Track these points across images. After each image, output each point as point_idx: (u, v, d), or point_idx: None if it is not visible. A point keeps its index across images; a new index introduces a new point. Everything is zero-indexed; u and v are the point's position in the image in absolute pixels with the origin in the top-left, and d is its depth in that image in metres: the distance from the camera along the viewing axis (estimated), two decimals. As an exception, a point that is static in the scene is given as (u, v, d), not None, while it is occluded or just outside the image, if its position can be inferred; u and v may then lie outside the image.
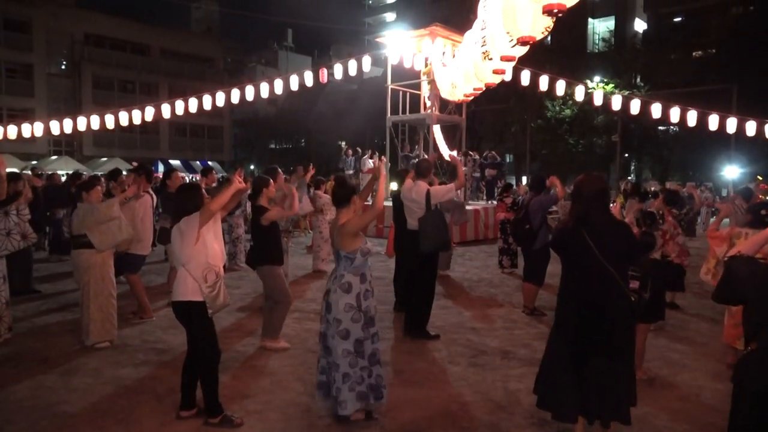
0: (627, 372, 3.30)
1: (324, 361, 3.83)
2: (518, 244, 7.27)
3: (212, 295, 3.59)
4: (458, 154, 16.12)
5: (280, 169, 6.35)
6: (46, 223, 10.29)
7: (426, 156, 14.22)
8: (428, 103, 14.86)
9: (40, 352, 5.23)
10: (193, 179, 27.66)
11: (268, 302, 5.43)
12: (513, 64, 7.21)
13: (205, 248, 3.62)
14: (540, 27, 5.06)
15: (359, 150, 18.35)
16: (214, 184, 8.83)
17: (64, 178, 12.99)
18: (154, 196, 6.63)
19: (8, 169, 5.84)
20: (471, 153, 16.84)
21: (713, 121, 10.74)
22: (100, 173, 18.80)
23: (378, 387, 3.79)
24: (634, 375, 3.39)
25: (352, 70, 11.70)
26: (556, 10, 4.53)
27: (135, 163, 11.10)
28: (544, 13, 4.64)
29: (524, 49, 6.25)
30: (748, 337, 2.54)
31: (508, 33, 5.37)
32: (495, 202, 15.91)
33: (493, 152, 18.80)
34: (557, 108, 30.84)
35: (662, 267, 5.07)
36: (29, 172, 12.57)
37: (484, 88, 9.61)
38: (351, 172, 17.53)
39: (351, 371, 3.67)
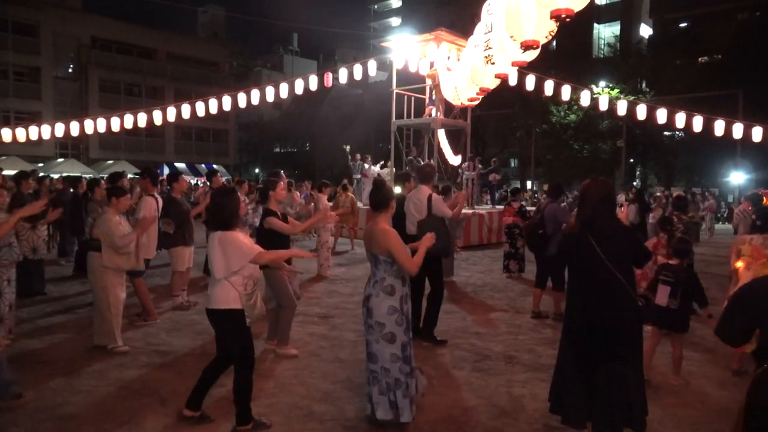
0: (636, 378, 3.28)
1: (368, 370, 3.75)
2: (531, 249, 7.24)
3: (250, 304, 3.59)
4: (464, 158, 16.19)
5: (282, 173, 6.34)
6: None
7: (430, 161, 14.20)
8: (433, 111, 14.85)
9: (44, 353, 5.24)
10: (198, 182, 27.77)
11: (272, 304, 5.43)
12: (517, 68, 7.20)
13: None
14: (544, 31, 5.06)
15: (358, 156, 18.38)
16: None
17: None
18: (159, 200, 6.63)
19: (11, 171, 5.90)
20: (477, 158, 16.87)
21: (719, 127, 10.71)
22: (103, 177, 18.89)
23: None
24: (643, 382, 3.37)
25: (358, 75, 11.75)
26: (564, 15, 4.53)
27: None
28: (552, 17, 4.64)
29: (535, 54, 6.23)
30: (760, 359, 2.46)
31: (511, 37, 5.36)
32: (498, 207, 15.99)
33: (494, 159, 18.97)
34: (562, 113, 30.82)
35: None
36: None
37: (481, 93, 9.58)
38: (358, 176, 17.56)
39: (401, 377, 3.62)
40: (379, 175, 16.91)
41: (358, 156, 18.07)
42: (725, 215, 25.64)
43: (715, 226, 20.43)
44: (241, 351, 3.64)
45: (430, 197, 5.70)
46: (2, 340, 4.90)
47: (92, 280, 5.36)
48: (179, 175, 8.00)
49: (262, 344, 5.57)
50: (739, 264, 5.06)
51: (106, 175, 18.98)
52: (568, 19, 4.61)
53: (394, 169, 16.62)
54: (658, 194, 18.77)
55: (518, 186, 32.22)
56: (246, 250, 3.53)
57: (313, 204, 11.71)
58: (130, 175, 17.90)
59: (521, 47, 5.36)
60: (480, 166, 16.73)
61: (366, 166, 16.92)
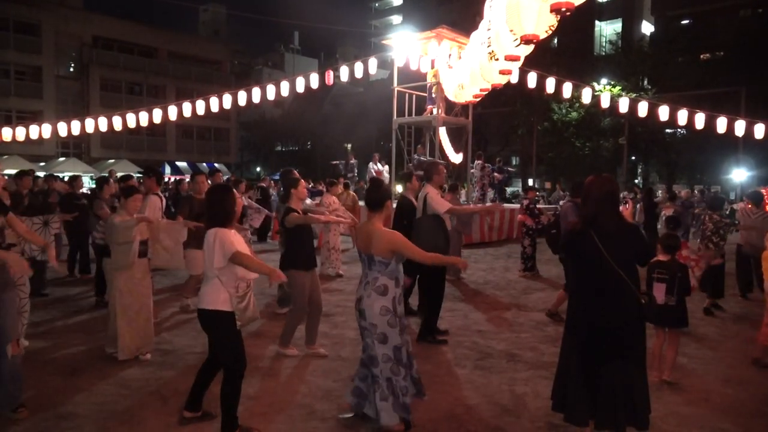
0: (640, 376, 3.27)
1: (365, 370, 3.71)
2: (551, 249, 7.25)
3: (241, 307, 3.48)
4: (465, 156, 16.18)
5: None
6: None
7: (431, 159, 14.19)
8: (434, 111, 14.82)
9: (46, 353, 5.24)
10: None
11: (278, 305, 5.39)
12: (519, 64, 7.15)
13: None
14: (544, 25, 5.02)
15: (352, 156, 18.32)
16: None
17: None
18: (163, 198, 6.60)
19: (13, 170, 5.84)
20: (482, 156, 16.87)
21: (721, 124, 10.67)
22: (104, 175, 18.92)
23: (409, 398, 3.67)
24: (646, 379, 3.35)
25: (359, 73, 11.71)
26: (564, 9, 4.49)
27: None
28: (551, 11, 4.60)
29: (529, 49, 6.19)
30: None
31: (511, 31, 5.32)
32: (503, 204, 16.01)
33: (499, 159, 19.05)
34: (564, 111, 30.76)
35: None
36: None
37: (490, 89, 9.57)
38: (351, 175, 17.53)
39: (394, 378, 3.57)
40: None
41: (353, 156, 18.07)
42: (727, 212, 25.58)
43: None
44: (230, 356, 3.50)
45: (426, 197, 5.68)
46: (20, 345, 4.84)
47: (110, 289, 5.27)
48: (197, 176, 7.94)
49: (268, 344, 5.57)
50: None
51: (106, 174, 19.01)
52: (568, 13, 4.56)
53: (387, 167, 16.65)
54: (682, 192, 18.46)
55: (521, 184, 32.24)
56: (227, 248, 3.39)
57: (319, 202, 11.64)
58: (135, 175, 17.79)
59: (521, 41, 5.31)
60: (488, 165, 16.72)
61: (378, 166, 16.86)
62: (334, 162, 17.89)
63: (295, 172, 6.05)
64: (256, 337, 5.80)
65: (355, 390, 3.78)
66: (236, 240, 3.48)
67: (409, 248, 3.65)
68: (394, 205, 6.43)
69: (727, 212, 25.58)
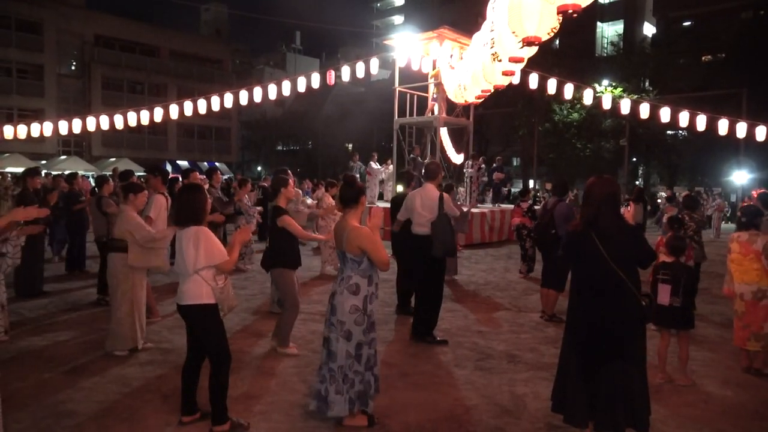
0: (640, 378, 3.27)
1: (326, 368, 3.68)
2: (540, 249, 7.15)
3: (222, 297, 3.58)
4: (466, 157, 16.18)
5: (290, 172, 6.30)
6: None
7: (433, 159, 14.20)
8: (436, 109, 14.82)
9: (45, 351, 5.25)
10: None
11: (277, 305, 5.38)
12: (522, 65, 7.15)
13: None
14: (546, 27, 5.01)
15: (356, 156, 18.30)
16: (219, 185, 8.82)
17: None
18: (169, 198, 6.61)
19: (14, 169, 5.79)
20: (482, 157, 16.85)
21: (722, 126, 10.69)
22: (108, 173, 18.93)
23: (365, 393, 3.70)
24: (646, 381, 3.35)
25: (360, 73, 11.73)
26: (571, 11, 4.49)
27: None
28: (558, 13, 4.59)
29: (533, 50, 6.20)
30: None
31: (513, 33, 5.32)
32: (501, 206, 15.98)
33: (500, 158, 18.98)
34: (565, 112, 30.75)
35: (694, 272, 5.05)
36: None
37: (492, 90, 9.58)
38: (357, 174, 17.53)
39: (349, 373, 3.62)
40: (383, 173, 16.92)
41: (356, 156, 18.10)
42: (728, 214, 25.54)
43: (722, 226, 20.13)
44: (216, 347, 3.60)
45: (441, 197, 5.69)
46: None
47: (113, 283, 5.22)
48: (191, 172, 7.96)
49: (267, 342, 5.57)
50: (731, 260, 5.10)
51: (109, 173, 19.03)
52: (575, 15, 4.56)
53: (392, 167, 16.65)
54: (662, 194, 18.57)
55: (521, 185, 32.23)
56: (217, 254, 3.51)
57: (317, 201, 11.66)
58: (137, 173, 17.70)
59: (523, 43, 5.31)
60: (483, 165, 16.70)
61: (372, 164, 16.88)
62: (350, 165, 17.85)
63: (289, 171, 6.12)
64: (255, 336, 5.81)
65: (317, 394, 3.74)
66: (218, 242, 3.63)
67: (372, 248, 3.55)
68: (389, 204, 6.48)
69: (728, 213, 25.60)
